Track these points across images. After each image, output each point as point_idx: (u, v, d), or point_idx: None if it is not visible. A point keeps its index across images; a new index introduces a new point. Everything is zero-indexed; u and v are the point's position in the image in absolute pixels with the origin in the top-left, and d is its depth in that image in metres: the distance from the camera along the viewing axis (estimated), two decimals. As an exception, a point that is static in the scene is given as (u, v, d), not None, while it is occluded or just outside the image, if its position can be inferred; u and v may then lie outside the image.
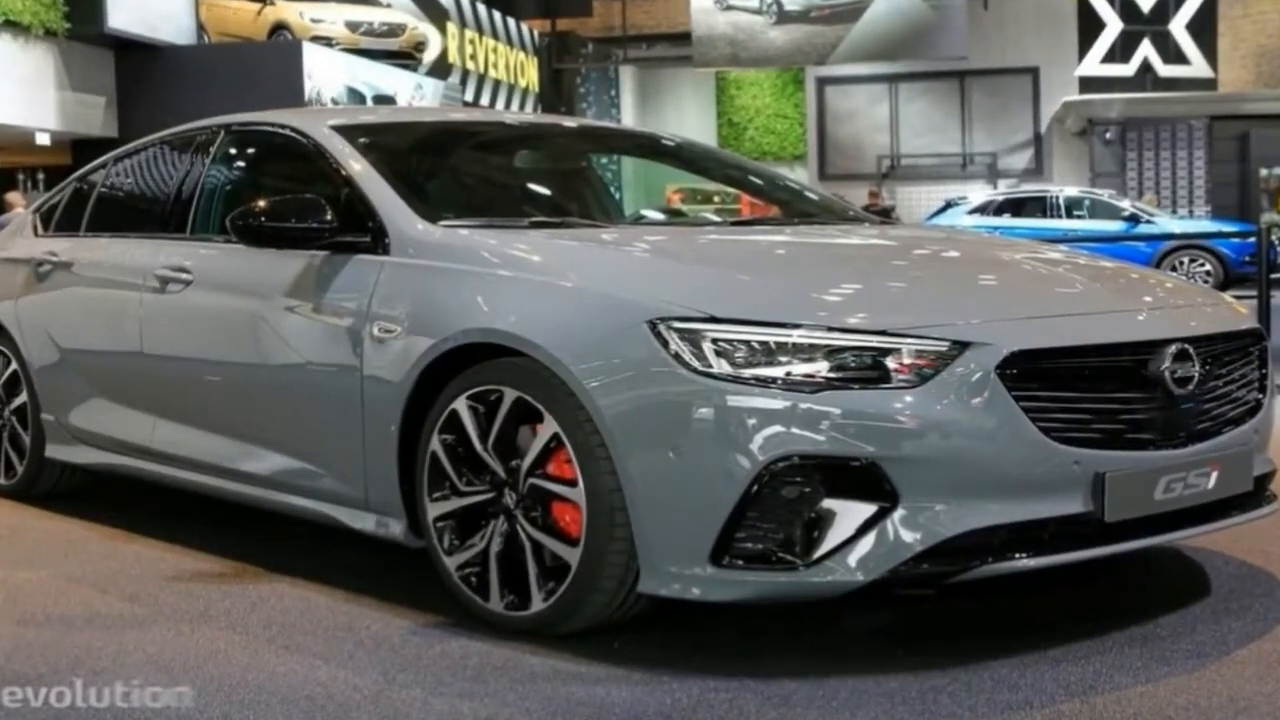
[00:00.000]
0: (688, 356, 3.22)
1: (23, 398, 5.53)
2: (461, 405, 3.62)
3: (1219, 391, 3.60)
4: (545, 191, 5.20)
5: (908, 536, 3.16)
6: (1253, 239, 19.65)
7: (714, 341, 3.23)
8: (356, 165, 4.31)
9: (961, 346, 3.22)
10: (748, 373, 3.20)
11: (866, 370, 3.20)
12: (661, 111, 33.25)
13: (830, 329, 3.24)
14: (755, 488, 3.16)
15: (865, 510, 3.17)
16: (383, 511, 3.93)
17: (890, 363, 3.20)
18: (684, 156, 5.87)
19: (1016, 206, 21.65)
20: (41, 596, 4.07)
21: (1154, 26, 26.95)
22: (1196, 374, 3.49)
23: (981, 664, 3.25)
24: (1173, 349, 3.45)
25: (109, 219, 5.53)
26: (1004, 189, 27.07)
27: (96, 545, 4.77)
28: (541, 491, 3.47)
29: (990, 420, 3.20)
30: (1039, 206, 20.90)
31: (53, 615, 3.87)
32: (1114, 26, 26.99)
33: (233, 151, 5.02)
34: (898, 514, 3.16)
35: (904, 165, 31.31)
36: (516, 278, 3.68)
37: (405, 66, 20.58)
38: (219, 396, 4.54)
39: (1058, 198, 21.56)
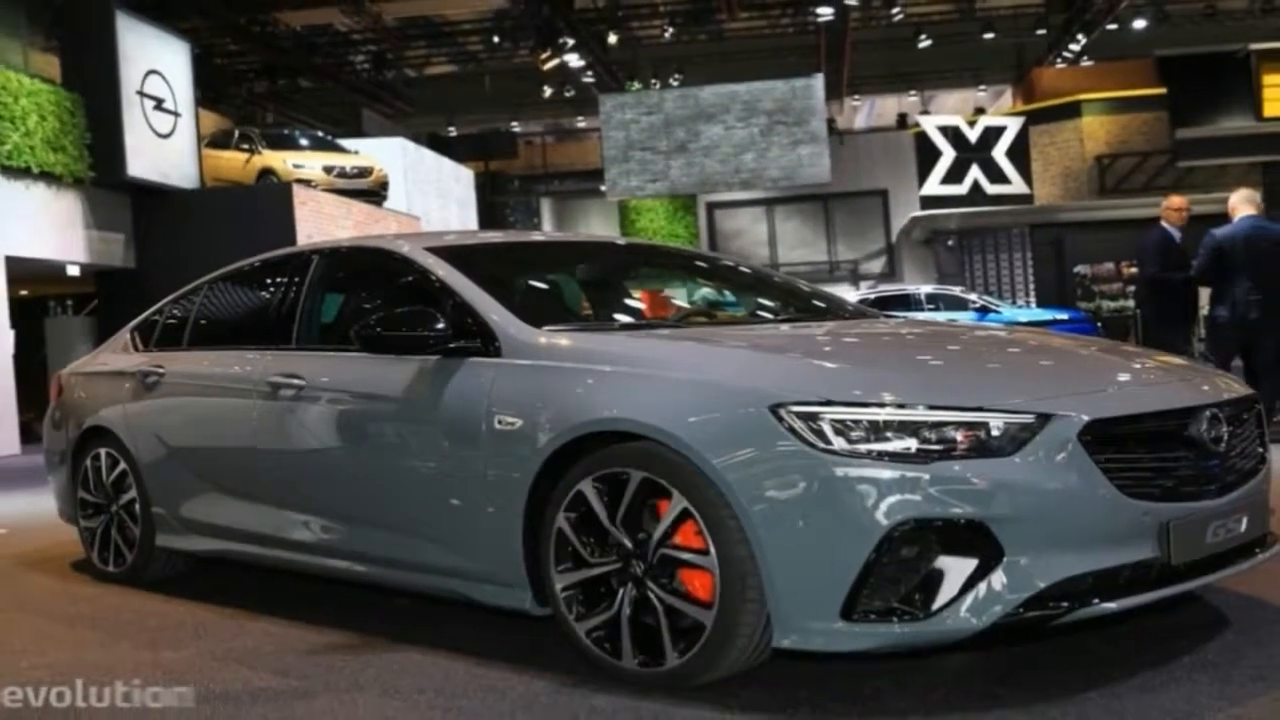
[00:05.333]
0: (810, 436, 3.04)
1: (131, 494, 5.19)
2: (587, 486, 3.39)
3: (1239, 448, 3.48)
4: (612, 298, 4.95)
5: (1012, 587, 2.99)
6: (1078, 323, 20.10)
7: (831, 422, 3.05)
8: (460, 281, 4.09)
9: (1045, 418, 3.08)
10: (864, 448, 3.02)
11: (968, 441, 3.04)
12: (576, 233, 33.25)
13: (932, 407, 3.08)
14: (880, 549, 2.97)
15: (974, 565, 2.99)
16: (509, 584, 3.66)
17: (986, 434, 3.05)
18: (713, 270, 5.60)
19: (885, 303, 21.77)
20: (196, 674, 3.71)
21: (980, 154, 27.59)
22: (1226, 434, 3.39)
23: (1075, 696, 3.07)
24: (1208, 413, 3.36)
25: (209, 335, 5.25)
26: (865, 289, 27.37)
27: (223, 625, 4.40)
28: (671, 560, 3.24)
29: (1076, 480, 3.06)
30: (904, 302, 21.05)
31: (216, 692, 3.52)
32: (948, 155, 27.59)
33: (330, 273, 4.73)
34: (1002, 567, 2.99)
35: (783, 273, 31.60)
36: (632, 372, 3.47)
37: (373, 201, 20.36)
38: (340, 487, 4.24)
39: (919, 294, 21.78)
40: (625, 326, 4.17)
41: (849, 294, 24.68)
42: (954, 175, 27.57)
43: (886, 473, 2.99)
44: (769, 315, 4.83)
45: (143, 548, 5.16)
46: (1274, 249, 8.68)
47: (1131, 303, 21.58)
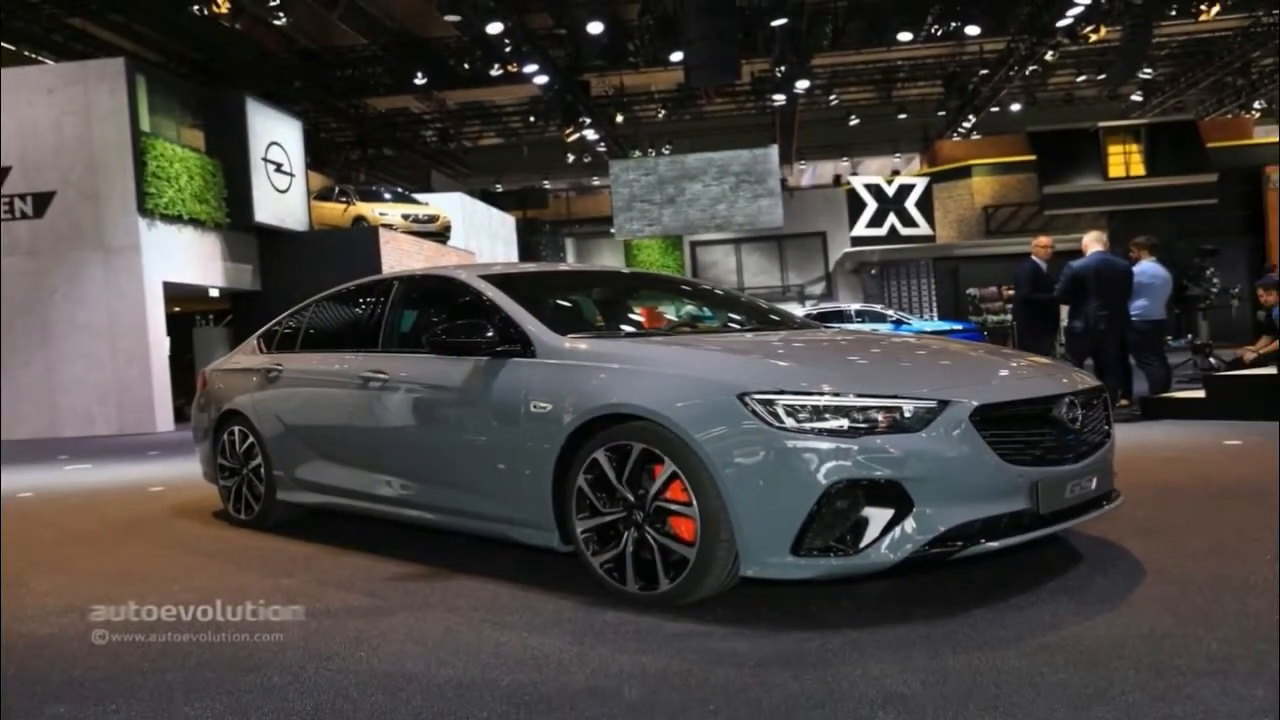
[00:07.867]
0: (767, 417, 3.04)
1: (258, 460, 5.18)
2: (601, 455, 3.38)
3: (1089, 426, 3.47)
4: (619, 313, 4.86)
5: (919, 530, 2.98)
6: (970, 332, 20.02)
7: (784, 406, 3.04)
8: (505, 300, 4.07)
9: (945, 403, 3.07)
10: (808, 426, 3.01)
11: (886, 421, 3.03)
12: (591, 264, 33.12)
13: (860, 395, 3.07)
14: (820, 502, 2.96)
15: (891, 514, 2.98)
16: (541, 528, 3.66)
17: (900, 415, 3.04)
18: (694, 292, 5.51)
19: (824, 317, 21.65)
20: (306, 596, 3.70)
21: (896, 204, 27.45)
22: (1081, 415, 3.38)
23: (968, 612, 3.06)
24: (1068, 399, 3.35)
25: (316, 340, 5.21)
26: (809, 306, 27.24)
27: (326, 559, 4.39)
28: (664, 510, 3.24)
29: (967, 450, 3.05)
30: (838, 316, 20.96)
31: (321, 609, 3.52)
32: (871, 205, 27.43)
33: (407, 294, 4.72)
34: (912, 515, 2.98)
35: (747, 294, 31.48)
36: (634, 369, 3.46)
37: (439, 241, 20.28)
38: (414, 454, 4.22)
39: (850, 310, 21.66)
40: (629, 334, 4.14)
41: (797, 310, 24.62)
42: (876, 221, 27.45)
43: (825, 445, 2.98)
44: (737, 326, 4.81)
45: (266, 501, 5.15)
46: (1117, 277, 8.69)
47: (1009, 317, 21.46)
